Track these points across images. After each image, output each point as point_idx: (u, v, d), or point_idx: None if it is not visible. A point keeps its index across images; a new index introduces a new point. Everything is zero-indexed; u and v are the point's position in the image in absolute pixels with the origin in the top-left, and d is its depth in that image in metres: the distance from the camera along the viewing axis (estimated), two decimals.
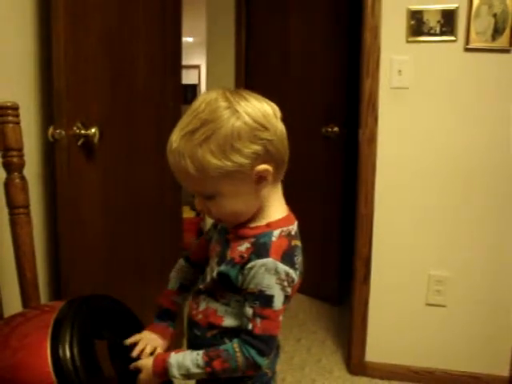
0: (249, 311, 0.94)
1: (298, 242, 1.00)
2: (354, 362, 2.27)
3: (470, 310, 2.14)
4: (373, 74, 2.10)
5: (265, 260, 0.93)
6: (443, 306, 2.16)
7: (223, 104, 0.90)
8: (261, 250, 0.94)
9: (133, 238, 1.93)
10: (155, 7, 2.04)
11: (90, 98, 1.62)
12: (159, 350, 1.09)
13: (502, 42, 1.99)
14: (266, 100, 0.95)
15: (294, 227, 1.01)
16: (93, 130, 1.56)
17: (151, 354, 1.06)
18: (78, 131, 1.54)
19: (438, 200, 2.11)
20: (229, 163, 0.90)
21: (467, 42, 2.01)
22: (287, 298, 0.95)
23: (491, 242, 2.09)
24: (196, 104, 0.92)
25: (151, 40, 2.02)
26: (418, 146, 2.10)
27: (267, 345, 0.95)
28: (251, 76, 3.40)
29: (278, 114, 0.96)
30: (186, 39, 7.95)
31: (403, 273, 2.18)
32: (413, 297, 2.18)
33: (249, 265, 0.94)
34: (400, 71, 2.08)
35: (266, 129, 0.91)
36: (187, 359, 0.97)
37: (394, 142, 2.12)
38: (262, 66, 3.38)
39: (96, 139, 1.57)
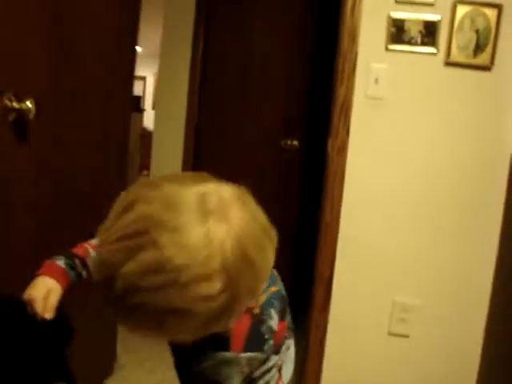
0: None
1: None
2: None
3: (435, 342, 1.98)
4: (347, 81, 1.94)
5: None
6: (406, 337, 1.99)
7: None
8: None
9: (68, 231, 1.64)
10: None
11: (27, 67, 1.34)
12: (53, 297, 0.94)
13: (484, 58, 1.89)
14: None
15: None
16: (28, 104, 1.28)
17: None
18: (8, 103, 1.26)
19: (409, 218, 1.97)
20: None
21: (448, 55, 1.90)
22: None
23: (464, 267, 1.95)
24: None
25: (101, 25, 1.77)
26: (391, 160, 1.96)
27: None
28: (207, 87, 3.18)
29: None
30: None
31: (366, 297, 2.00)
32: (375, 324, 2.01)
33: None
34: (377, 79, 1.94)
35: None
36: None
37: (365, 153, 1.96)
38: (220, 77, 3.17)
39: (31, 115, 1.30)
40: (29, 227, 1.40)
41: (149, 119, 7.61)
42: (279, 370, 1.00)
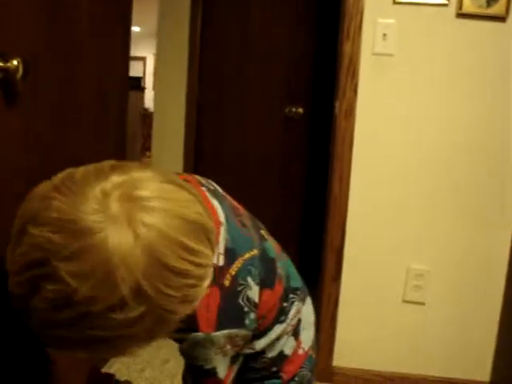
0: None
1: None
2: (321, 367, 1.98)
3: (451, 309, 1.91)
4: (354, 38, 1.84)
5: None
6: (422, 304, 1.92)
7: None
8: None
9: None
10: None
11: (14, 22, 1.25)
12: None
13: (498, 8, 1.79)
14: None
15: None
16: (14, 63, 1.19)
17: None
18: None
19: (420, 184, 1.88)
20: None
21: (460, 6, 1.79)
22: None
23: (481, 232, 1.87)
24: None
25: None
26: (403, 121, 1.86)
27: None
28: (206, 62, 3.06)
29: None
30: (133, 29, 7.54)
31: (379, 266, 1.93)
32: (389, 293, 1.93)
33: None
34: (385, 35, 1.83)
35: None
36: None
37: (374, 115, 1.87)
38: (220, 43, 3.06)
39: (18, 75, 1.21)
40: (19, 194, 1.33)
41: (150, 100, 7.51)
42: (295, 336, 0.95)
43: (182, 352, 0.77)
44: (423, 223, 1.89)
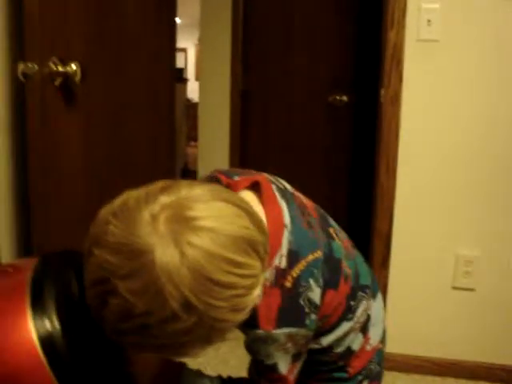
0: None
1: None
2: None
3: (502, 295, 1.89)
4: (398, 25, 1.83)
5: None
6: (472, 290, 1.91)
7: None
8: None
9: None
10: None
11: (70, 30, 1.33)
12: None
13: None
14: None
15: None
16: (73, 67, 1.27)
17: None
18: (54, 68, 1.25)
19: (469, 170, 1.86)
20: None
21: None
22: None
23: None
24: None
25: None
26: (449, 109, 1.84)
27: None
28: (250, 51, 3.08)
29: None
30: None
31: (427, 252, 1.93)
32: (438, 279, 1.93)
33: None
34: (429, 21, 1.81)
35: None
36: None
37: (420, 102, 1.86)
38: (262, 38, 3.08)
39: (77, 78, 1.29)
40: (78, 192, 1.41)
41: (192, 91, 7.59)
42: (363, 332, 0.97)
43: (246, 346, 0.82)
44: (472, 209, 1.88)
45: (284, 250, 0.78)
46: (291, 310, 0.78)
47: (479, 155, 1.85)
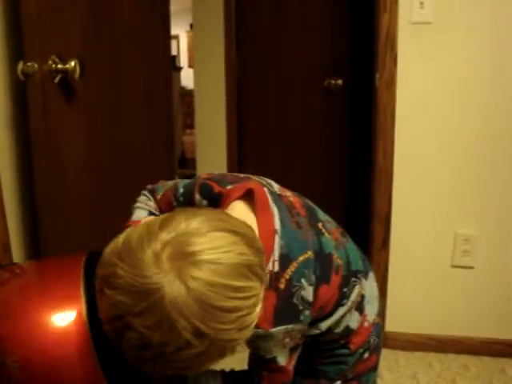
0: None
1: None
2: None
3: (501, 272, 1.94)
4: (390, 8, 1.84)
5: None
6: (470, 268, 1.95)
7: None
8: None
9: (121, 195, 1.67)
10: None
11: (68, 27, 1.34)
12: None
13: None
14: None
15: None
16: (72, 64, 1.28)
17: None
18: (53, 66, 1.26)
19: (465, 151, 1.89)
20: None
21: None
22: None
23: None
24: None
25: None
26: (444, 91, 1.86)
27: None
28: (244, 36, 3.07)
29: None
30: None
31: (426, 232, 1.97)
32: (437, 259, 1.97)
33: None
34: (422, 3, 1.82)
35: None
36: None
37: (415, 85, 1.88)
38: (257, 17, 3.07)
39: (76, 75, 1.30)
40: (82, 185, 1.43)
41: (185, 79, 7.55)
42: (360, 311, 1.00)
43: (247, 343, 0.86)
44: (470, 188, 1.91)
45: (276, 254, 0.83)
46: (286, 308, 0.83)
47: (476, 135, 1.87)
